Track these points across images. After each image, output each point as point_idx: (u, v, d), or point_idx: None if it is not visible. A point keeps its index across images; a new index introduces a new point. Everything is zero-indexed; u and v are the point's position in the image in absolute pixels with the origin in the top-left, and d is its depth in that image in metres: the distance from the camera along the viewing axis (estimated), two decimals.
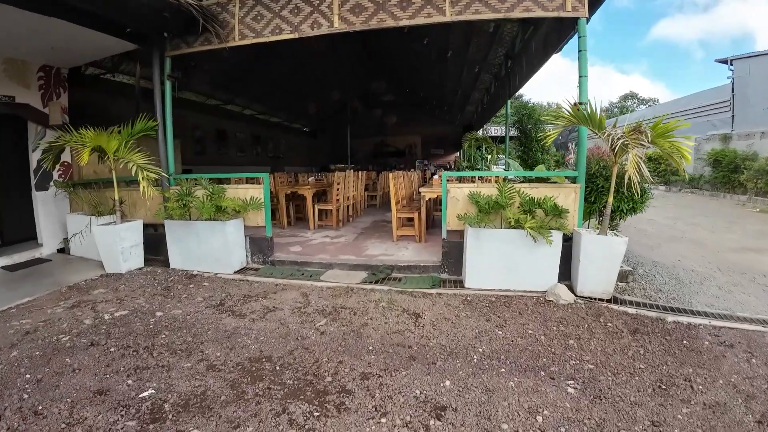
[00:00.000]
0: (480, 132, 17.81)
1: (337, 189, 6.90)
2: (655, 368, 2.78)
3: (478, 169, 16.06)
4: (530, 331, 3.21)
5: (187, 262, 5.06)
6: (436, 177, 6.42)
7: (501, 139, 12.44)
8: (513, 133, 12.94)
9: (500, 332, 3.17)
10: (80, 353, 3.02)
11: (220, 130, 14.71)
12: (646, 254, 5.93)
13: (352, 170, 7.69)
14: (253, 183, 5.81)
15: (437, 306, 3.67)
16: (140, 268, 5.25)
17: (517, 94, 12.35)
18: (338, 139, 23.46)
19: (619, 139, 3.35)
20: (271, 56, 12.91)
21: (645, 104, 44.66)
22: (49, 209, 6.23)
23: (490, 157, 9.41)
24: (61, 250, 6.34)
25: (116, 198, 5.18)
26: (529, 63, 7.08)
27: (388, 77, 14.98)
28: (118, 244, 5.00)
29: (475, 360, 2.75)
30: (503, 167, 12.66)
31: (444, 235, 4.38)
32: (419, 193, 6.03)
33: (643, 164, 3.32)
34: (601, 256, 3.88)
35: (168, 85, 5.57)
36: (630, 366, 2.80)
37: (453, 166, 24.04)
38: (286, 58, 13.35)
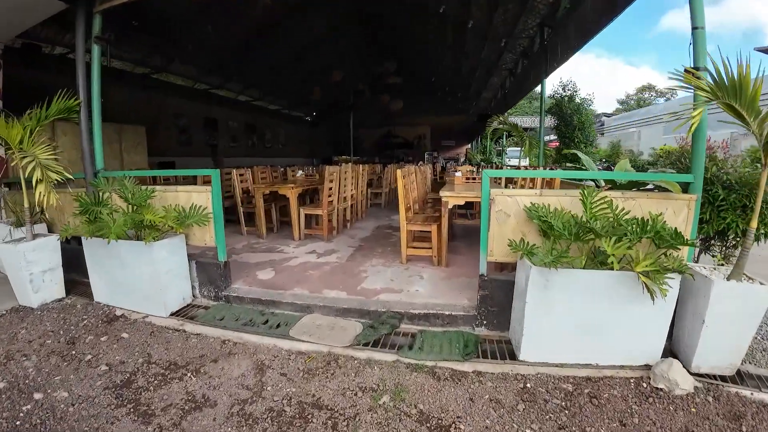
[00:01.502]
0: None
1: (330, 189, 5.37)
2: None
3: (496, 165, 14.42)
4: None
5: (113, 295, 3.57)
6: (458, 174, 4.88)
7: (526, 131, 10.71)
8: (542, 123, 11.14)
9: None
10: None
11: (209, 118, 13.21)
12: None
13: (350, 164, 6.16)
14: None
15: (478, 404, 2.13)
16: (60, 299, 3.80)
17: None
18: (341, 129, 21.82)
19: None
20: (268, 38, 11.35)
21: (662, 97, 42.23)
22: None
23: (522, 150, 7.77)
24: None
25: (26, 205, 3.71)
26: (580, 28, 5.45)
27: (396, 61, 13.31)
28: (24, 270, 3.55)
29: None
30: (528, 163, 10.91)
31: (483, 269, 2.83)
32: (435, 192, 4.53)
33: None
34: (736, 315, 2.34)
35: (96, 50, 4.06)
36: None
37: (465, 160, 22.36)
38: (285, 40, 11.80)
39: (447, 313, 2.95)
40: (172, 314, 3.31)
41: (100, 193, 3.45)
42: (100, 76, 4.03)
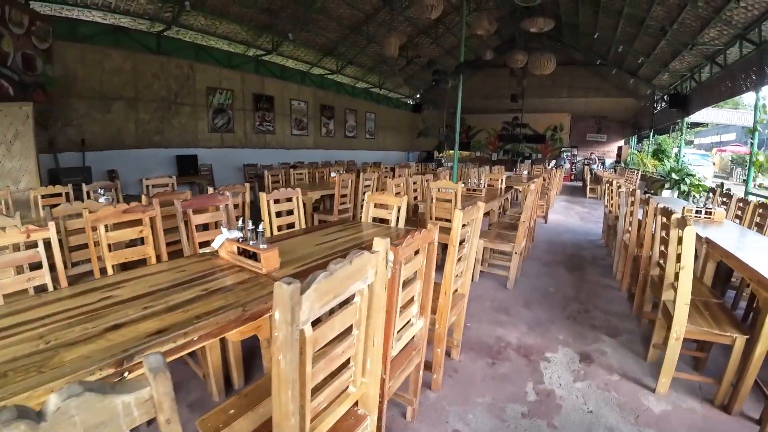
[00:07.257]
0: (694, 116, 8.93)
1: None
2: None
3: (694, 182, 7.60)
4: None
5: None
6: None
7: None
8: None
9: None
10: None
11: (261, 95, 9.15)
12: None
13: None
14: None
15: None
16: None
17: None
18: (447, 115, 15.92)
19: None
20: None
21: None
22: None
23: None
24: None
25: None
26: None
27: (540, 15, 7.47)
28: None
29: None
30: None
31: None
32: None
33: None
34: None
35: None
36: None
37: (617, 161, 15.19)
38: None
39: None
40: None
41: None
42: None
